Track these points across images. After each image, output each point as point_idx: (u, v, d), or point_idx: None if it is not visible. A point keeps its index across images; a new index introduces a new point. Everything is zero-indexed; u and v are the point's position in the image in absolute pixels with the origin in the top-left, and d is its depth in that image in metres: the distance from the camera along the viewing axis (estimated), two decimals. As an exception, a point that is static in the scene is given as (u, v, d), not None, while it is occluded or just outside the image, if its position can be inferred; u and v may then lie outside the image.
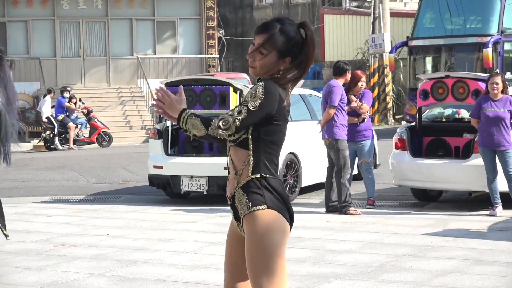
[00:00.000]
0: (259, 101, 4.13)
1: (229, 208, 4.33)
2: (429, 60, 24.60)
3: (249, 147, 4.20)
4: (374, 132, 12.11)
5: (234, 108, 4.19)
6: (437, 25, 23.70)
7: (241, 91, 12.17)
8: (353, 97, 11.65)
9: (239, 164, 4.22)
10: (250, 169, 4.19)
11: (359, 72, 12.10)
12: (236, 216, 4.26)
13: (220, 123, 4.13)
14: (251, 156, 4.20)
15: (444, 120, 12.86)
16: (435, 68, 23.71)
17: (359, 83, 11.70)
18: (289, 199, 4.29)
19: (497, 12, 22.44)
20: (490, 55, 21.23)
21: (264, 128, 4.19)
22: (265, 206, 4.16)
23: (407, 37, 25.08)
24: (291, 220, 4.26)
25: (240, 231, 4.29)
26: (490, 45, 21.48)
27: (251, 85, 12.77)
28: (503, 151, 10.75)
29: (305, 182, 13.22)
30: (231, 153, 4.26)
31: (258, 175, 4.19)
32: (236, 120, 4.13)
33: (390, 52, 24.40)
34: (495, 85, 10.86)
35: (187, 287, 7.35)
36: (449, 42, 23.16)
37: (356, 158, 11.88)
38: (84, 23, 32.37)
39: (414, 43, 23.88)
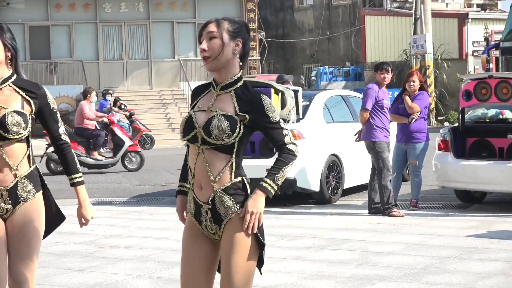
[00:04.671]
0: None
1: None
2: None
3: (233, 150, 4.13)
4: (428, 135, 11.68)
5: (277, 120, 4.17)
6: None
7: (283, 93, 12.13)
8: (406, 97, 11.53)
9: (218, 168, 4.12)
10: (232, 173, 4.14)
11: (412, 71, 11.96)
12: (217, 220, 4.17)
13: (291, 140, 4.20)
14: (233, 160, 4.14)
15: (488, 121, 12.74)
16: None
17: (408, 83, 11.56)
18: None
19: None
20: None
21: (248, 131, 4.18)
22: None
23: (500, 39, 25.33)
24: None
25: (213, 234, 4.23)
26: None
27: (292, 87, 12.79)
28: (548, 152, 10.62)
29: (348, 183, 13.17)
30: (206, 157, 4.12)
31: (240, 178, 4.16)
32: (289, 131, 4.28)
33: (482, 53, 24.83)
34: (539, 85, 10.73)
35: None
36: None
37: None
38: (126, 26, 32.63)
39: (505, 44, 24.07)
